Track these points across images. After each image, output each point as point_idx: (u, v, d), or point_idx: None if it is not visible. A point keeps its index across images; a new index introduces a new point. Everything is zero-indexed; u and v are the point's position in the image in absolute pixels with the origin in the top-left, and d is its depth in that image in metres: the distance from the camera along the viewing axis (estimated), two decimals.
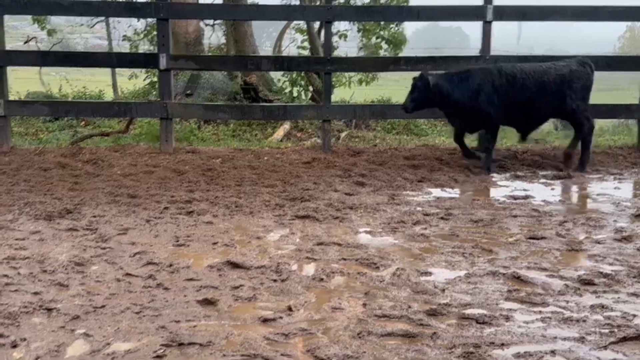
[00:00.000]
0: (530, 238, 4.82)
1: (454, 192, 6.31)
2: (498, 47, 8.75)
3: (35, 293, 3.71)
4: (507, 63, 7.47)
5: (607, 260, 4.34)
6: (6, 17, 8.16)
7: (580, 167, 7.16)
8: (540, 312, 3.54)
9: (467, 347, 3.10)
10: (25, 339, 3.17)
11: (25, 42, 13.44)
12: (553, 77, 7.02)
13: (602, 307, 3.60)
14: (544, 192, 6.33)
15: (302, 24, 13.70)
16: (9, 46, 8.43)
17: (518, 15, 8.26)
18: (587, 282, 3.95)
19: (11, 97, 9.00)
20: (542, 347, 3.13)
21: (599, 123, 11.56)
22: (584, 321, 3.42)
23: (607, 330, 3.30)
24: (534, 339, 3.21)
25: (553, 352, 3.08)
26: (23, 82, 13.44)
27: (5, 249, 4.45)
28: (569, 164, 7.22)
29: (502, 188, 6.48)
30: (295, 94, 12.85)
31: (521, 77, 6.97)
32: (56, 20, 15.10)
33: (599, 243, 4.72)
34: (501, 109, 6.96)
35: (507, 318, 3.44)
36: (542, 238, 4.81)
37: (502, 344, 3.14)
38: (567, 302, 3.68)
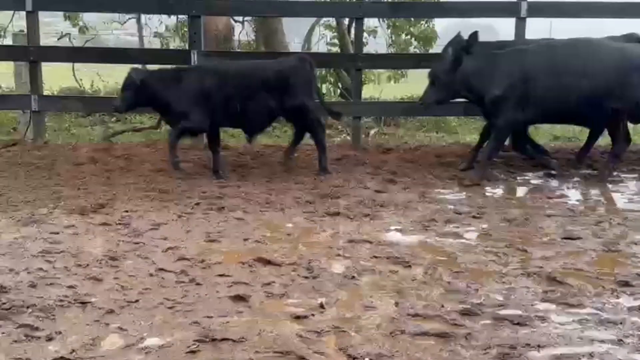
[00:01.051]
0: (565, 238, 4.74)
1: (487, 191, 6.23)
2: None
3: (70, 287, 3.75)
4: (222, 61, 7.24)
5: None
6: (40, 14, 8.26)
7: (320, 169, 6.69)
8: (576, 313, 3.48)
9: (502, 348, 3.06)
10: (60, 332, 3.21)
11: (59, 39, 13.58)
12: (271, 75, 6.57)
13: None
14: (578, 191, 6.23)
15: (332, 20, 13.66)
16: (42, 42, 8.52)
17: (553, 12, 8.11)
18: (624, 284, 3.88)
19: (45, 93, 9.10)
20: (579, 349, 3.08)
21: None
22: (622, 323, 3.36)
23: None
24: (571, 341, 3.16)
25: (591, 355, 3.03)
26: (55, 77, 13.60)
27: (41, 243, 4.51)
28: (289, 165, 6.83)
29: (536, 187, 6.39)
30: (324, 91, 12.81)
31: (236, 75, 6.58)
32: (88, 18, 15.20)
33: (635, 244, 4.63)
34: (216, 110, 6.48)
35: (543, 319, 3.40)
36: (578, 238, 4.73)
37: (539, 346, 3.10)
38: (604, 303, 3.61)
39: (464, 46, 6.47)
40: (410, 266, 4.17)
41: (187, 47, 8.78)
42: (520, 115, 6.40)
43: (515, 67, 6.40)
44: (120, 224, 5.00)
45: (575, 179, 6.68)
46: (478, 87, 6.48)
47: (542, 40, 7.03)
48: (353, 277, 3.97)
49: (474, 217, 5.29)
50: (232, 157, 7.39)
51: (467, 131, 10.74)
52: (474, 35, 6.47)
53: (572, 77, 6.23)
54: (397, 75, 13.48)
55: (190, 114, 6.42)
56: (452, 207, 5.57)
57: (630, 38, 6.97)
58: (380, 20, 13.39)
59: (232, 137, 9.41)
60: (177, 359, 2.99)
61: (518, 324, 3.34)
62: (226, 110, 6.53)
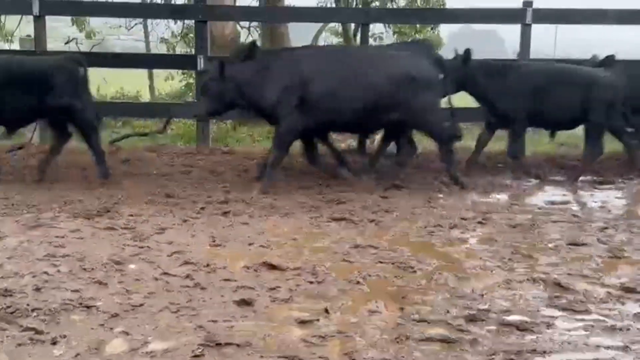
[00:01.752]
0: (571, 244, 4.73)
1: (492, 196, 6.22)
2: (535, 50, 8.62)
3: (75, 291, 3.74)
4: None
5: None
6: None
7: (99, 174, 6.50)
8: (582, 319, 3.47)
9: (508, 354, 3.05)
10: (65, 336, 3.20)
11: (66, 43, 13.68)
12: (27, 71, 6.29)
13: None
14: (583, 197, 6.22)
15: (337, 26, 13.71)
16: (49, 47, 8.56)
17: (558, 18, 8.13)
18: (630, 290, 3.87)
19: None
20: (585, 355, 3.07)
21: None
22: (628, 330, 3.35)
23: None
24: (577, 347, 3.15)
25: None
26: None
27: (46, 247, 4.51)
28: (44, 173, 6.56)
29: (541, 193, 6.38)
30: None
31: None
32: (94, 23, 15.30)
33: None
34: None
35: (549, 325, 3.38)
36: (583, 244, 4.72)
37: (544, 352, 3.08)
38: (610, 310, 3.60)
39: (238, 54, 6.38)
40: (415, 271, 4.16)
41: (193, 52, 8.81)
42: (300, 121, 6.17)
43: (288, 72, 6.19)
44: (125, 228, 5.00)
45: (580, 185, 6.67)
46: (252, 94, 6.23)
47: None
48: (358, 282, 3.96)
49: (479, 222, 5.27)
50: (236, 162, 7.39)
51: (472, 137, 10.71)
52: (254, 43, 6.58)
53: (346, 85, 6.13)
54: None
55: None
56: (457, 212, 5.56)
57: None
58: (386, 26, 13.43)
59: (238, 142, 9.44)
60: None
61: (524, 330, 3.32)
62: None
